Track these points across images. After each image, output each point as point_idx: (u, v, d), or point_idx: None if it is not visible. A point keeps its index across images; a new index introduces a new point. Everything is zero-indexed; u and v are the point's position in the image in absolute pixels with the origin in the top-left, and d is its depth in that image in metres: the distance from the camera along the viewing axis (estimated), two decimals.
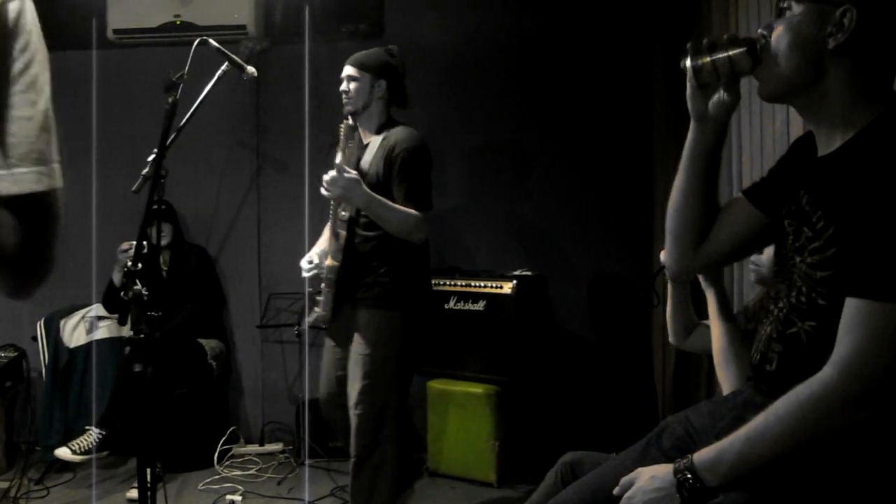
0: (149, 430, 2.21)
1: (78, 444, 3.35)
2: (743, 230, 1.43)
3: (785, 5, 1.26)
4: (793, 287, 1.27)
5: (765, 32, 1.28)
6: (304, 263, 2.79)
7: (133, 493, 3.18)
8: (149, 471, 2.10)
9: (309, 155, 3.85)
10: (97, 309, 3.93)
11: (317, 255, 2.80)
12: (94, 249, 3.90)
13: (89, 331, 3.90)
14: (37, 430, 3.80)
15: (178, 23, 3.86)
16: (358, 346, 2.67)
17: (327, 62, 3.90)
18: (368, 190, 2.58)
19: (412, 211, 2.61)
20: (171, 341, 3.57)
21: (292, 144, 4.03)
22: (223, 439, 3.82)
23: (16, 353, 3.75)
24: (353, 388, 2.67)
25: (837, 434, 1.12)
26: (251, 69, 2.59)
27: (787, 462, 1.16)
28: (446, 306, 3.59)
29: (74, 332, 3.89)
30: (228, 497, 3.30)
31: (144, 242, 2.16)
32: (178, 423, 3.58)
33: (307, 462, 3.71)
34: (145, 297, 2.09)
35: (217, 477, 3.59)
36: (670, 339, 2.15)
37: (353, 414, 2.67)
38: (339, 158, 2.64)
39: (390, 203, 2.61)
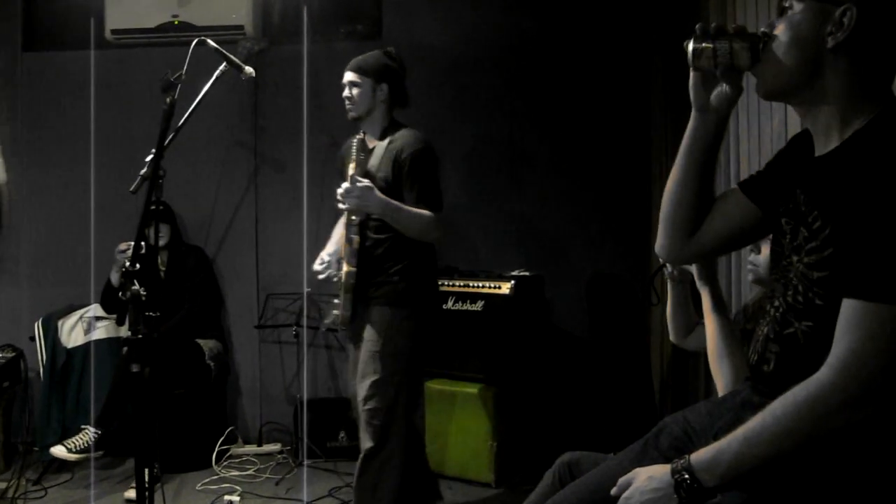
0: (147, 430, 2.21)
1: (74, 442, 3.36)
2: (736, 222, 1.43)
3: (786, 4, 1.26)
4: (789, 286, 1.27)
5: (766, 31, 1.28)
6: (317, 266, 2.84)
7: (131, 494, 3.18)
8: (147, 471, 2.11)
9: (307, 155, 3.86)
10: (95, 309, 3.92)
11: (328, 256, 2.84)
12: (93, 250, 3.91)
13: (87, 331, 3.90)
14: (34, 430, 3.79)
15: (176, 23, 3.87)
16: (369, 343, 2.73)
17: (325, 62, 3.91)
18: (382, 195, 2.64)
19: (426, 212, 2.68)
20: (169, 341, 3.57)
21: (290, 145, 4.04)
22: (221, 439, 3.81)
23: (13, 353, 3.74)
24: (363, 384, 2.71)
25: (835, 435, 1.12)
26: (249, 69, 2.58)
27: (784, 462, 1.17)
28: (444, 307, 3.60)
29: (72, 332, 3.89)
30: (226, 497, 3.30)
31: (142, 243, 2.17)
32: (175, 424, 3.58)
33: (305, 462, 3.72)
34: (143, 298, 2.09)
35: (215, 477, 3.59)
36: (671, 337, 2.16)
37: (361, 409, 2.72)
38: (351, 170, 2.69)
39: (404, 206, 2.67)
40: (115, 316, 3.51)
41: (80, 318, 3.92)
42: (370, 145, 2.80)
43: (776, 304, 1.31)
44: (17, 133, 4.17)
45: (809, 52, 1.22)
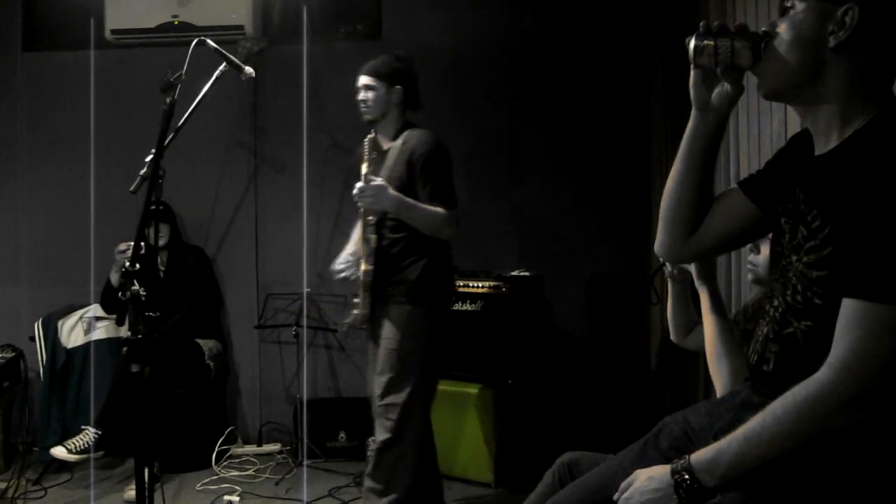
0: (146, 430, 2.21)
1: (74, 443, 3.36)
2: (736, 222, 1.43)
3: (788, 4, 1.26)
4: (788, 286, 1.27)
5: (768, 30, 1.28)
6: (339, 265, 2.90)
7: (131, 494, 3.18)
8: (147, 471, 2.11)
9: (307, 155, 3.85)
10: (95, 309, 3.93)
11: (351, 256, 2.90)
12: (93, 250, 3.91)
13: (87, 331, 3.90)
14: (34, 430, 3.79)
15: (175, 23, 3.87)
16: (386, 341, 2.77)
17: (325, 62, 3.91)
18: (396, 193, 2.68)
19: (440, 209, 2.72)
20: (169, 341, 3.58)
21: (290, 145, 4.03)
22: (221, 440, 3.81)
23: (13, 354, 3.74)
24: (381, 380, 2.75)
25: (835, 435, 1.12)
26: (249, 69, 2.58)
27: (784, 463, 1.17)
28: None
29: (72, 332, 3.89)
30: (226, 497, 3.30)
31: (142, 243, 2.16)
32: (175, 424, 3.58)
33: (305, 462, 3.72)
34: (143, 298, 2.09)
35: (215, 477, 3.58)
36: (671, 336, 2.16)
37: (377, 405, 2.76)
38: (364, 169, 2.76)
39: (419, 204, 2.72)
40: (114, 316, 3.51)
41: (80, 318, 3.93)
42: (385, 147, 2.85)
43: (776, 303, 1.30)
44: (17, 133, 4.17)
45: (811, 52, 1.22)
